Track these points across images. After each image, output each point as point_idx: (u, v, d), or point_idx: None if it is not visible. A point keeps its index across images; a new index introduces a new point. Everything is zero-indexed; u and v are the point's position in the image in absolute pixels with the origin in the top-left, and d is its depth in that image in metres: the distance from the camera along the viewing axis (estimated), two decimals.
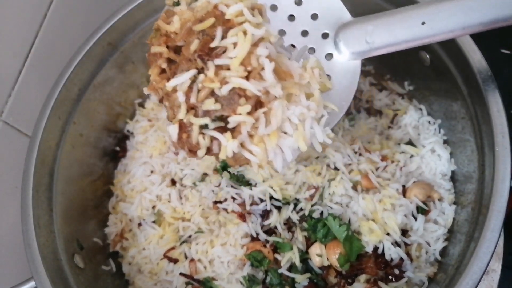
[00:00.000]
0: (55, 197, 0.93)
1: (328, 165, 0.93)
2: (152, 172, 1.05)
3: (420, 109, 1.06)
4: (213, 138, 0.63)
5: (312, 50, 0.72)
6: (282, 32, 0.74)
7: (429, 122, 1.04)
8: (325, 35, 0.72)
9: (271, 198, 0.92)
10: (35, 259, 0.82)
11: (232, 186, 0.94)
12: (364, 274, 0.86)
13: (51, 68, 1.00)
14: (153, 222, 1.01)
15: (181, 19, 0.64)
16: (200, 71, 0.62)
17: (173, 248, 0.97)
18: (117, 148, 1.14)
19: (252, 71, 0.60)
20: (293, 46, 0.73)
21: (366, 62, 1.14)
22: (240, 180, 0.95)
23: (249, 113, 0.60)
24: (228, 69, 0.60)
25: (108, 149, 1.13)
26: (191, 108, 0.62)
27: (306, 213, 0.90)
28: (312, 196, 0.90)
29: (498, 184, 0.74)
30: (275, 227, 0.92)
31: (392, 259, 0.87)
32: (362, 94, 1.13)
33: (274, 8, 0.73)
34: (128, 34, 1.04)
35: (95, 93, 1.03)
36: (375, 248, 0.87)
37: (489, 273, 0.90)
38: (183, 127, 0.63)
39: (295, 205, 0.91)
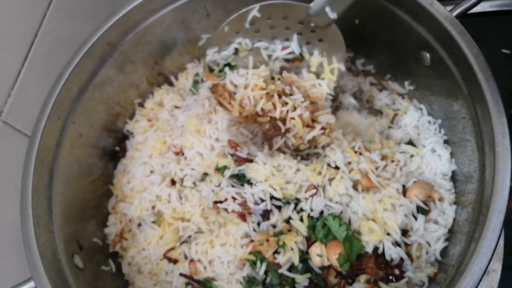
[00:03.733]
0: (55, 197, 0.93)
1: (328, 164, 0.93)
2: (151, 172, 1.04)
3: (420, 109, 1.06)
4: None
5: (299, 33, 0.95)
6: (274, 38, 0.97)
7: (429, 122, 1.04)
8: (302, 22, 0.93)
9: (272, 198, 0.92)
10: (35, 259, 0.82)
11: (232, 186, 0.94)
12: (364, 274, 0.86)
13: (51, 68, 1.00)
14: (153, 222, 1.01)
15: (241, 112, 0.94)
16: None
17: (172, 248, 0.97)
18: (117, 148, 1.14)
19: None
20: (287, 40, 0.97)
21: (366, 62, 1.14)
22: (241, 179, 0.95)
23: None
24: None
25: (108, 149, 1.12)
26: None
27: (307, 213, 0.90)
28: (312, 196, 0.90)
29: (498, 184, 0.74)
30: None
31: (392, 259, 0.86)
32: (363, 94, 1.13)
33: (257, 31, 0.95)
34: (127, 34, 1.04)
35: (94, 93, 1.03)
36: (375, 248, 0.87)
37: (489, 273, 0.90)
38: None
39: (296, 204, 0.91)
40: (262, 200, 0.92)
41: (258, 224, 0.92)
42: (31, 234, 0.84)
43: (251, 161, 0.94)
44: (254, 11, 0.90)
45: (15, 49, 1.03)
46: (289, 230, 0.91)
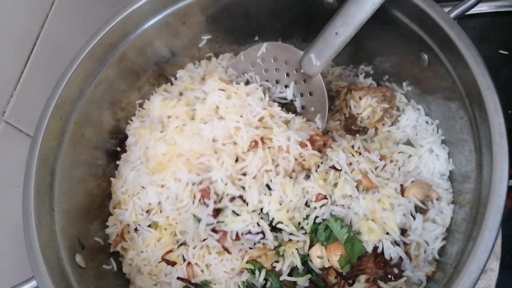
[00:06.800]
0: (57, 196, 0.93)
1: (331, 167, 0.93)
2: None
3: (418, 109, 1.06)
4: None
5: (296, 82, 1.06)
6: (277, 81, 1.08)
7: (427, 122, 1.04)
8: (297, 70, 1.04)
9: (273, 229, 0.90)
10: (37, 259, 0.83)
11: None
12: (364, 274, 0.87)
13: (53, 68, 1.01)
14: (149, 226, 0.99)
15: None
16: None
17: (171, 251, 0.96)
18: (118, 149, 1.14)
19: None
20: (286, 86, 1.08)
21: (365, 63, 1.15)
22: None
23: None
24: None
25: (110, 150, 1.12)
26: None
27: (312, 220, 0.89)
28: (322, 206, 0.89)
29: (495, 183, 0.74)
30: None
31: (391, 258, 0.87)
32: None
33: (266, 70, 1.08)
34: (129, 35, 1.04)
35: (96, 94, 1.04)
36: (375, 248, 0.87)
37: (487, 272, 0.91)
38: None
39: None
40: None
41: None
42: (33, 233, 0.85)
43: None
44: (263, 48, 1.06)
45: (18, 50, 1.03)
46: (290, 240, 0.90)
